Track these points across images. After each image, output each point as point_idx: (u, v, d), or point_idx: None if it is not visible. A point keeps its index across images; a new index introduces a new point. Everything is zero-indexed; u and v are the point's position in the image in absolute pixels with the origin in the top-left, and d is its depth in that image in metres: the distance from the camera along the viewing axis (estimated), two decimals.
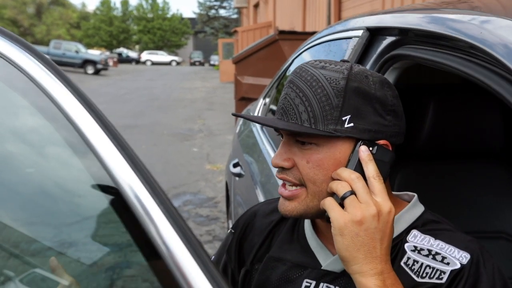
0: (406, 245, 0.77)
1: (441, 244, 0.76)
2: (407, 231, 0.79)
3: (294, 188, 0.79)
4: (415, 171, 1.27)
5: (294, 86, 0.76)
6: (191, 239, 0.55)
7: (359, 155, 0.74)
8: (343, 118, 0.73)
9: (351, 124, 0.74)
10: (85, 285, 0.77)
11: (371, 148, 0.74)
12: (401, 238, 0.78)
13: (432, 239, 0.77)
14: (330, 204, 0.73)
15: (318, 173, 0.76)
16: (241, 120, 3.03)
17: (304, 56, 1.89)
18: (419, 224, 0.80)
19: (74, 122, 0.62)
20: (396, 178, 1.25)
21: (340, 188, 0.73)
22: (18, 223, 0.81)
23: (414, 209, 0.82)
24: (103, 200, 0.70)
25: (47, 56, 0.76)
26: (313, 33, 6.24)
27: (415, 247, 0.77)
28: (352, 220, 0.70)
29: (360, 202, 0.71)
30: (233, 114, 0.84)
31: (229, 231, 0.98)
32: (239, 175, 2.23)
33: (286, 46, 5.91)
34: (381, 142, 0.76)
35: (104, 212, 0.75)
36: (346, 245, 0.70)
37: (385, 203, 0.71)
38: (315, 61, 0.78)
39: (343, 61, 0.80)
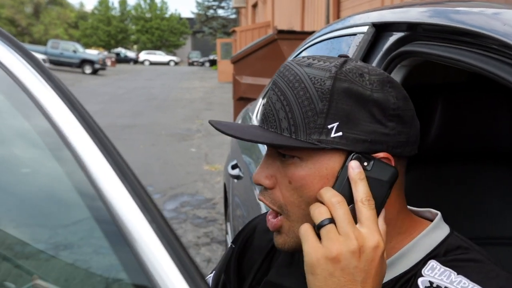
0: (420, 280, 0.62)
1: (464, 281, 0.60)
2: (424, 261, 0.64)
3: (274, 219, 0.66)
4: (422, 173, 1.22)
5: (276, 88, 0.64)
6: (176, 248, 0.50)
7: (348, 172, 0.60)
8: (329, 126, 0.60)
9: (339, 133, 0.60)
10: None
11: (365, 163, 0.60)
12: (416, 271, 0.64)
13: (453, 274, 0.61)
14: (304, 233, 0.59)
15: (302, 195, 0.63)
16: (239, 120, 2.97)
17: (309, 51, 1.83)
18: (441, 252, 0.64)
19: (56, 124, 0.57)
20: None
21: (317, 214, 0.59)
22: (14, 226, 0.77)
23: (436, 232, 0.67)
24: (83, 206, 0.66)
25: (36, 55, 0.70)
26: (312, 33, 6.20)
27: (431, 283, 0.61)
28: (326, 257, 0.56)
29: (339, 233, 0.57)
30: (210, 122, 0.68)
31: (229, 245, 0.89)
32: (237, 177, 2.17)
33: (285, 46, 5.88)
34: (380, 155, 0.61)
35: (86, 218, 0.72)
36: (318, 287, 0.56)
37: (371, 236, 0.57)
38: (304, 57, 0.65)
39: (342, 56, 0.66)
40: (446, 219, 1.23)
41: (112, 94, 14.35)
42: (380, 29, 1.07)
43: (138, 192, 0.49)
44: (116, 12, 50.35)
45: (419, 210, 0.72)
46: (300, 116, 0.61)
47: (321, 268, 0.56)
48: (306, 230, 0.59)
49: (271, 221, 0.66)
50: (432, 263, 0.63)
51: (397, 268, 0.65)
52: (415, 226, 0.67)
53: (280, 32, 6.20)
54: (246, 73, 6.22)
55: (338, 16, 8.94)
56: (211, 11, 40.98)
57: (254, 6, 23.30)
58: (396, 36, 1.00)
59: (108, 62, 28.26)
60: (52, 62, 22.22)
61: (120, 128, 8.15)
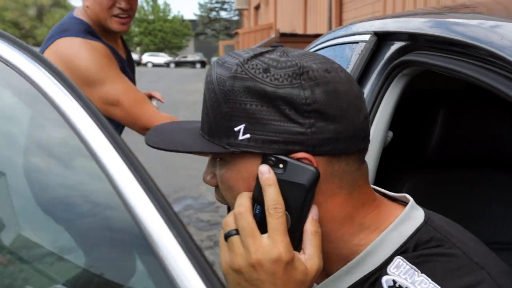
0: (384, 279, 0.58)
1: (425, 281, 0.56)
2: (392, 258, 0.60)
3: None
4: (424, 180, 1.24)
5: (204, 89, 0.63)
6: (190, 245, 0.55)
7: (259, 177, 0.58)
8: (235, 129, 0.57)
9: (247, 136, 0.57)
10: None
11: (281, 165, 0.57)
12: (382, 270, 0.60)
13: (417, 273, 0.57)
14: (220, 241, 0.59)
15: (232, 197, 0.61)
16: None
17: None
18: (410, 247, 0.60)
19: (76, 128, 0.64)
20: (404, 187, 1.21)
21: (225, 224, 0.59)
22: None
23: (405, 224, 0.61)
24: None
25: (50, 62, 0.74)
26: (314, 36, 6.21)
27: (394, 282, 0.58)
28: (232, 268, 0.57)
29: (241, 245, 0.57)
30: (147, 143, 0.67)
31: None
32: None
33: None
34: (298, 155, 0.57)
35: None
36: None
37: (272, 249, 0.55)
38: (228, 53, 0.62)
39: (273, 46, 0.62)
40: None
41: None
42: (382, 38, 1.09)
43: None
44: None
45: (395, 196, 0.67)
46: (213, 120, 0.59)
47: (230, 276, 0.57)
48: (220, 239, 0.60)
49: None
50: (398, 259, 0.59)
51: (365, 267, 0.61)
52: (384, 217, 0.62)
53: (283, 35, 6.23)
54: None
55: (340, 18, 8.96)
56: (214, 13, 41.11)
57: (257, 8, 23.36)
58: (397, 45, 1.02)
59: None
60: None
61: (123, 131, 8.18)
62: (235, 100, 0.57)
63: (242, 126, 0.57)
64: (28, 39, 43.86)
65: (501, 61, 0.63)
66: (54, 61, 1.54)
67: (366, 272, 0.61)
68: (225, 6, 41.19)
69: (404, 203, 0.65)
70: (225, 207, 3.85)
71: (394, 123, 1.09)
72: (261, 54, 0.59)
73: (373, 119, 1.04)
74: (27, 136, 0.85)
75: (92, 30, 1.67)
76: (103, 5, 1.62)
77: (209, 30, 40.30)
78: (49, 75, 0.69)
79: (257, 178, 0.58)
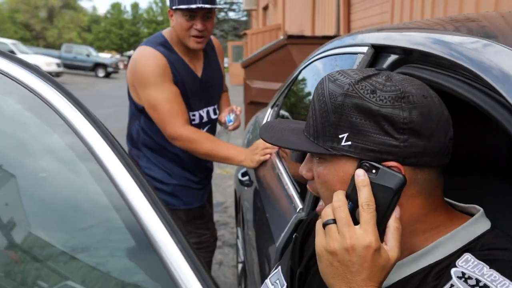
0: (453, 270, 0.68)
1: (495, 274, 0.64)
2: (460, 252, 0.70)
3: (320, 203, 0.80)
4: None
5: (312, 97, 0.76)
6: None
7: (355, 178, 0.70)
8: (340, 136, 0.70)
9: (349, 143, 0.70)
10: None
11: (373, 171, 0.68)
12: (451, 261, 0.69)
13: (486, 267, 0.65)
14: (316, 228, 0.72)
15: (325, 190, 0.75)
16: (250, 127, 3.06)
17: (311, 68, 1.91)
18: (477, 247, 0.70)
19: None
20: None
21: (324, 214, 0.71)
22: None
23: (474, 226, 0.72)
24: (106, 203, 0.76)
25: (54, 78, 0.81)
26: (322, 38, 6.17)
27: (463, 274, 0.66)
28: (327, 250, 0.68)
29: (338, 232, 0.68)
30: (262, 137, 0.82)
31: (294, 235, 0.99)
32: (247, 184, 2.25)
33: (295, 51, 5.93)
34: (389, 163, 0.69)
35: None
36: (323, 271, 0.70)
37: (364, 237, 0.66)
38: (337, 71, 0.75)
39: (378, 70, 0.74)
40: None
41: (124, 97, 14.33)
42: (379, 50, 1.15)
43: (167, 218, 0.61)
44: (128, 15, 50.83)
45: (465, 206, 0.79)
46: (320, 125, 0.73)
47: (324, 257, 0.69)
48: (317, 226, 0.71)
49: (319, 204, 0.81)
50: (467, 255, 0.69)
51: (431, 257, 0.72)
52: (452, 221, 0.74)
53: (290, 37, 6.26)
54: (256, 78, 6.29)
55: (348, 19, 8.97)
56: (222, 13, 41.16)
57: (265, 8, 23.38)
58: (392, 58, 1.07)
59: (121, 65, 28.57)
60: (66, 66, 22.55)
61: None
62: (343, 113, 0.70)
63: (345, 134, 0.70)
64: (39, 41, 44.24)
65: (482, 81, 0.69)
66: (131, 61, 1.93)
67: (432, 262, 0.72)
68: (234, 6, 41.27)
69: (473, 214, 0.76)
70: (233, 208, 3.91)
71: None
72: (369, 76, 0.71)
73: None
74: (35, 141, 0.91)
75: (167, 44, 2.02)
76: (183, 26, 1.96)
77: (217, 31, 40.37)
78: (55, 90, 0.77)
79: (352, 179, 0.70)
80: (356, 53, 1.25)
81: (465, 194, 1.29)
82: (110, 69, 24.21)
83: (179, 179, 2.11)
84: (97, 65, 24.10)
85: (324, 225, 0.70)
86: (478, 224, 0.73)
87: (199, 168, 2.17)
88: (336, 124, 0.71)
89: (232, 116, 2.17)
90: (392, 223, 0.69)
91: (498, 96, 0.67)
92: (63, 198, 0.86)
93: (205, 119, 2.14)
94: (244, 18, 39.30)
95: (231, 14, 41.72)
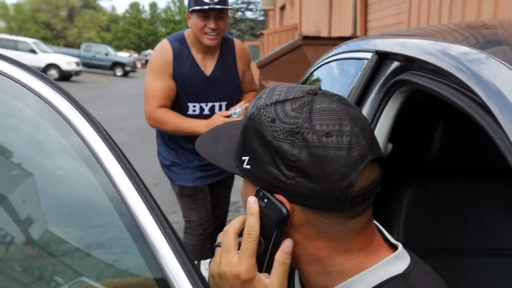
0: None
1: None
2: None
3: None
4: (424, 190, 1.30)
5: None
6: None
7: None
8: (243, 158, 0.68)
9: (248, 166, 0.68)
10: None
11: (265, 200, 0.66)
12: None
13: None
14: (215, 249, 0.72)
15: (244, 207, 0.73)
16: None
17: (322, 70, 1.93)
18: None
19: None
20: (405, 194, 1.27)
21: (218, 236, 0.72)
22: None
23: (385, 268, 0.67)
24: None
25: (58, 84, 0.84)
26: (337, 38, 6.12)
27: None
28: (211, 272, 0.69)
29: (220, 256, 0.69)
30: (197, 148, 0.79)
31: None
32: None
33: (310, 52, 5.94)
34: (278, 196, 0.65)
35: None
36: None
37: (236, 266, 0.66)
38: (276, 88, 0.71)
39: (310, 92, 0.67)
40: (447, 231, 1.29)
41: (140, 96, 14.46)
42: (383, 57, 1.17)
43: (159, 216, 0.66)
44: (146, 15, 51.38)
45: (393, 242, 0.72)
46: (237, 142, 0.71)
47: (211, 279, 0.70)
48: (216, 247, 0.72)
49: None
50: None
51: None
52: (367, 265, 0.67)
53: (305, 38, 6.27)
54: (271, 78, 6.32)
55: (365, 19, 8.93)
56: (239, 13, 41.25)
57: (282, 8, 23.38)
58: (395, 64, 1.10)
59: (138, 64, 28.94)
60: (85, 65, 22.92)
61: (148, 131, 8.32)
62: (247, 135, 0.68)
63: (247, 158, 0.68)
64: (60, 40, 45.00)
65: (472, 93, 0.72)
66: None
67: None
68: (251, 6, 41.34)
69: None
70: None
71: (394, 135, 1.16)
72: (284, 101, 0.66)
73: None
74: (51, 142, 0.96)
75: (183, 40, 2.34)
76: (198, 26, 2.24)
77: (234, 31, 40.48)
78: (61, 97, 0.82)
79: None
80: (361, 59, 1.28)
81: (466, 198, 1.30)
82: (128, 68, 24.53)
83: (176, 158, 2.47)
84: (115, 64, 24.44)
85: (214, 247, 0.71)
86: (389, 266, 0.67)
87: (196, 154, 2.42)
88: (242, 144, 0.69)
89: (238, 109, 2.29)
90: (278, 257, 0.67)
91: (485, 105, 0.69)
92: (78, 196, 0.90)
93: (206, 112, 2.37)
94: (261, 18, 39.33)
95: (248, 14, 41.80)
